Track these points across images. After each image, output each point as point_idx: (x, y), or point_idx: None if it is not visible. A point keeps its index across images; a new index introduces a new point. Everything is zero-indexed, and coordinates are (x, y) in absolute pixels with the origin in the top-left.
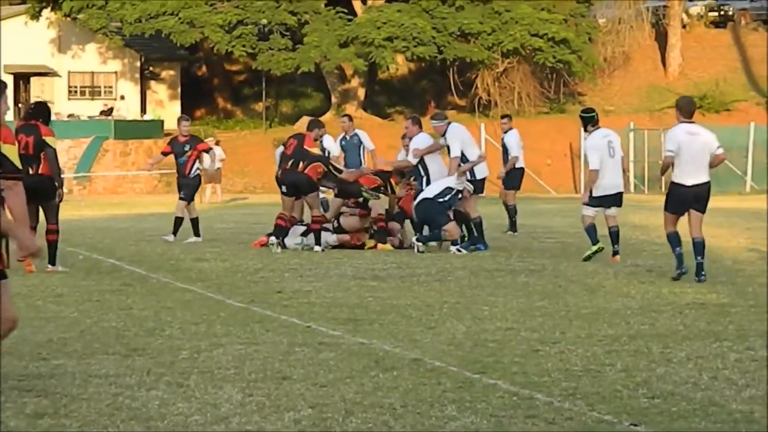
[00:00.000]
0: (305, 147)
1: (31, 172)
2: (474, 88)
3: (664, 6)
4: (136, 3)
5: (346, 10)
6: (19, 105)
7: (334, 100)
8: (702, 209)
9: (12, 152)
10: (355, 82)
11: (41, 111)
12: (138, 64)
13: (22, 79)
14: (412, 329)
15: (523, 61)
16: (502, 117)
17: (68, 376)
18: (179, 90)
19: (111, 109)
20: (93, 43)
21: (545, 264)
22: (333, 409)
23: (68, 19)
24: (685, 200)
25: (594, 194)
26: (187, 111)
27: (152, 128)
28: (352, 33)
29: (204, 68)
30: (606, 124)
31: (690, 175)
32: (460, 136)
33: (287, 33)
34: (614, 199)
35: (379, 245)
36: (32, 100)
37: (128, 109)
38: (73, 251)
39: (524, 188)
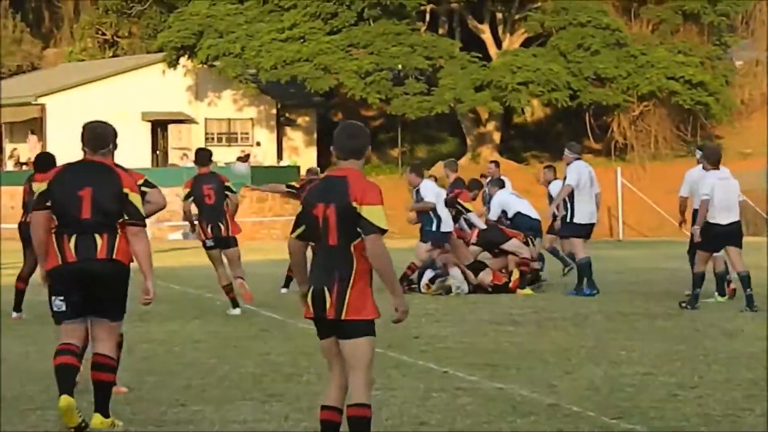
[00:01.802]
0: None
1: None
2: (610, 132)
3: None
4: (271, 50)
5: (480, 55)
6: (157, 153)
7: (469, 144)
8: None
9: (137, 200)
10: (490, 126)
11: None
12: (274, 110)
13: (160, 126)
14: (549, 374)
15: (659, 104)
16: (546, 167)
17: (206, 422)
18: (315, 136)
19: (248, 156)
20: (229, 90)
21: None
22: None
23: (204, 66)
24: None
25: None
26: (323, 157)
27: (288, 174)
28: (487, 77)
29: (339, 114)
30: (744, 167)
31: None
32: (578, 171)
33: (422, 77)
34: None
35: (519, 291)
36: (170, 147)
37: (264, 156)
38: (211, 297)
39: (664, 231)
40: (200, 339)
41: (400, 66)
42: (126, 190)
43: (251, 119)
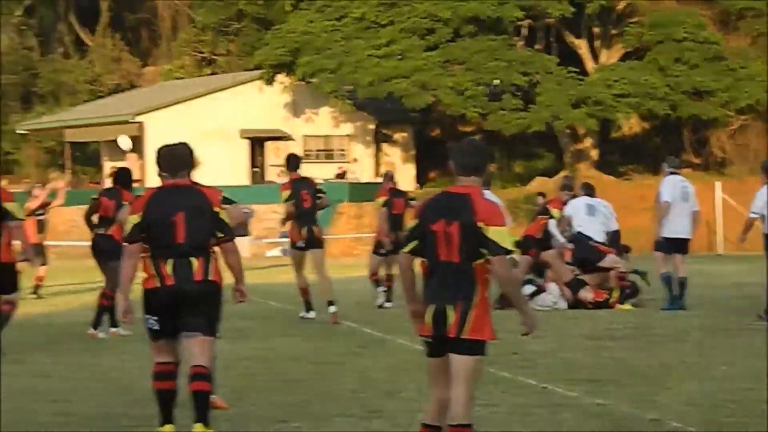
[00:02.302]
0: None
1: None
2: (708, 146)
3: None
4: (368, 66)
5: (577, 70)
6: (255, 169)
7: (566, 159)
8: None
9: (226, 216)
10: (587, 141)
11: (122, 177)
12: (371, 126)
13: (257, 143)
14: (650, 389)
15: (758, 118)
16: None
17: None
18: (413, 152)
19: (345, 173)
20: (326, 106)
21: None
22: None
23: (302, 83)
24: None
25: None
26: (421, 173)
27: None
28: (584, 93)
29: (437, 130)
30: None
31: None
32: (672, 186)
33: (518, 93)
34: None
35: (618, 306)
36: (267, 164)
37: (362, 172)
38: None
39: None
40: (300, 355)
41: (497, 81)
42: (216, 209)
43: (348, 135)
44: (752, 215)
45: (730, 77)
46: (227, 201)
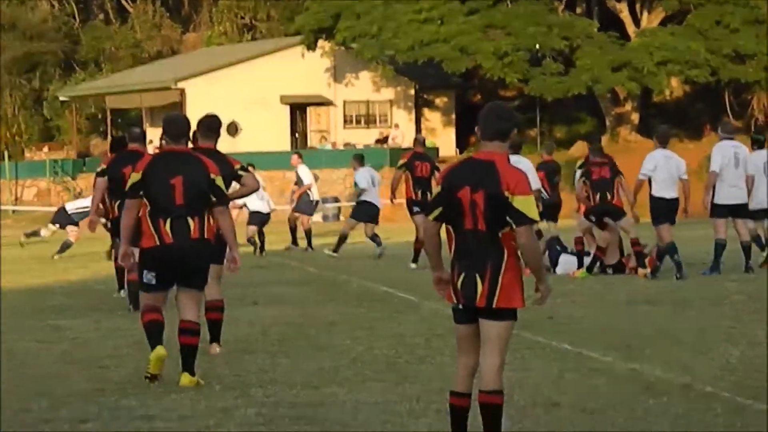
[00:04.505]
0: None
1: None
2: (750, 109)
3: None
4: (408, 31)
5: (618, 34)
6: (296, 135)
7: (608, 123)
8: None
9: (221, 183)
10: (628, 105)
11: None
12: (412, 92)
13: (299, 109)
14: (685, 354)
15: None
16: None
17: (338, 405)
18: (453, 117)
19: (386, 138)
20: (366, 71)
21: None
22: None
23: (342, 48)
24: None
25: None
26: (461, 138)
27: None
28: (625, 57)
29: (478, 95)
30: None
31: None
32: (721, 153)
33: (559, 57)
34: None
35: (640, 270)
36: (309, 130)
37: (403, 137)
38: (346, 279)
39: None
40: (334, 321)
41: (537, 46)
42: (212, 176)
43: (389, 101)
44: (641, 177)
45: None
46: (244, 169)
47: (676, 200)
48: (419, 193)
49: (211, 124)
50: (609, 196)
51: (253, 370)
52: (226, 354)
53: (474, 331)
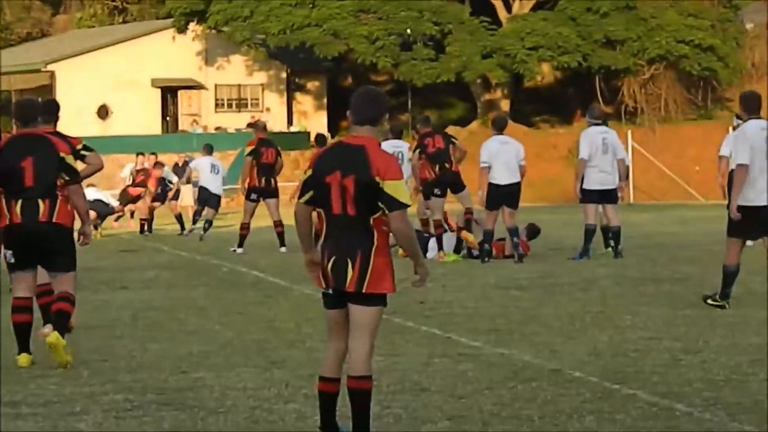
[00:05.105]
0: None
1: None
2: (620, 95)
3: None
4: (280, 15)
5: (490, 20)
6: (167, 118)
7: (479, 109)
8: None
9: (72, 161)
10: (499, 91)
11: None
12: (284, 75)
13: (170, 92)
14: (553, 339)
15: (669, 67)
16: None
17: (207, 390)
18: (325, 101)
19: (258, 122)
20: (238, 55)
21: (690, 272)
22: (470, 420)
23: (214, 32)
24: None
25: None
26: (333, 122)
27: (299, 140)
28: (496, 44)
29: (349, 79)
30: None
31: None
32: (589, 140)
33: (430, 43)
34: None
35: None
36: (180, 113)
37: (275, 121)
38: (218, 264)
39: (674, 195)
40: (205, 306)
41: (408, 31)
42: (62, 155)
43: (261, 85)
44: (482, 166)
45: (642, 26)
46: (87, 149)
47: (512, 185)
48: (263, 180)
49: (48, 107)
50: (448, 165)
51: (121, 355)
52: (94, 338)
53: (344, 316)
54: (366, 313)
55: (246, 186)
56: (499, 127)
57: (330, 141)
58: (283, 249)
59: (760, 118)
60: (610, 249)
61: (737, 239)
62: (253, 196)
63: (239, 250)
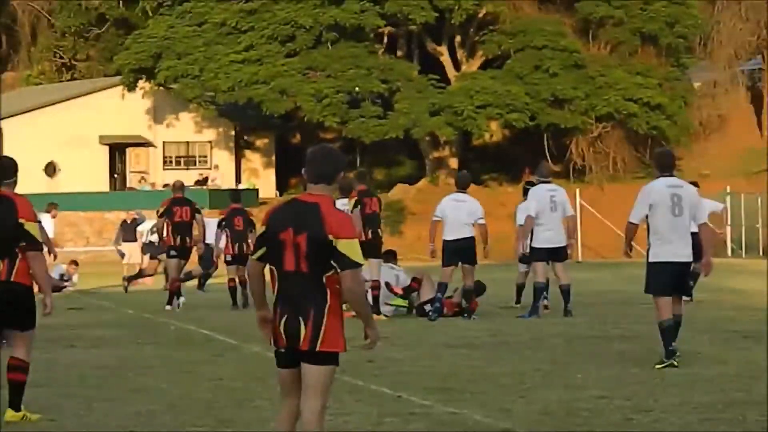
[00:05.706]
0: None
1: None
2: (569, 154)
3: (760, 69)
4: (229, 72)
5: (438, 77)
6: (115, 176)
7: (428, 166)
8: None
9: (33, 228)
10: (448, 149)
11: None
12: (232, 132)
13: (118, 150)
14: (504, 398)
15: (617, 126)
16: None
17: None
18: (273, 158)
19: (206, 179)
20: (187, 112)
21: (640, 330)
22: None
23: (162, 89)
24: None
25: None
26: (282, 179)
27: (247, 197)
28: (444, 101)
29: (298, 136)
30: (703, 189)
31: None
32: (537, 198)
33: (378, 101)
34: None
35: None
36: (128, 171)
37: (223, 178)
38: (165, 322)
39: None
40: (153, 365)
41: (356, 89)
42: (21, 220)
43: (210, 142)
44: (433, 220)
45: (590, 85)
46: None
47: (460, 240)
48: (177, 238)
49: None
50: (380, 231)
51: (68, 415)
52: (41, 397)
53: (296, 375)
54: (319, 372)
55: (163, 242)
56: (462, 185)
57: (280, 199)
58: (168, 307)
59: (672, 175)
60: (519, 305)
61: (661, 297)
62: (172, 252)
63: (168, 308)
